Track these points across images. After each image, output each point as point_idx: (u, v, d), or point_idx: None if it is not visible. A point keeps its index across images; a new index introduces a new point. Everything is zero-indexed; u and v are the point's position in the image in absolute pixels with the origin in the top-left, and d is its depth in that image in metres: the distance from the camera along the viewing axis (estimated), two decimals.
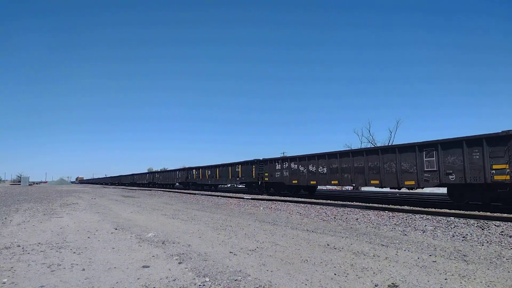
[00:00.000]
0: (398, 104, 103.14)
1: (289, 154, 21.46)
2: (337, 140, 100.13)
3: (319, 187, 22.34)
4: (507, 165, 9.74)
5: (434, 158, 11.55)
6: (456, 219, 7.95)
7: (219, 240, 5.69)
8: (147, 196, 21.82)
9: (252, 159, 22.86)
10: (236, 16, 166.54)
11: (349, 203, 12.54)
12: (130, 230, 6.73)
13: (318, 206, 12.03)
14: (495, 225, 6.99)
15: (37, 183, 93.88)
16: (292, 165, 18.53)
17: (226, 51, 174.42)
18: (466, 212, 8.87)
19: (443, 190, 15.18)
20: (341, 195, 19.32)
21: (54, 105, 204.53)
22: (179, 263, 4.11)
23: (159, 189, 35.85)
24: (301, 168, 17.73)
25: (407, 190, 19.44)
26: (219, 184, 30.15)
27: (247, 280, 3.43)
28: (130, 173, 58.03)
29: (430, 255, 4.54)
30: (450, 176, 11.06)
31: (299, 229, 6.99)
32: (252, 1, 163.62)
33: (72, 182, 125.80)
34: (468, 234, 6.18)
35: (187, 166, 41.39)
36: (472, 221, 7.65)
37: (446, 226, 7.11)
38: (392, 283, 3.33)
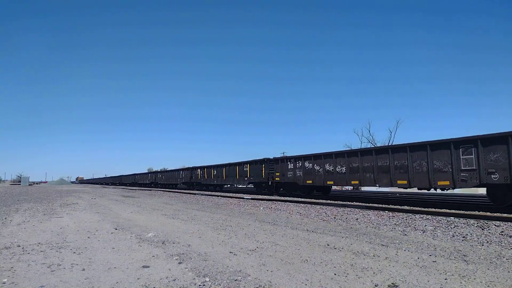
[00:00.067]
0: (398, 104, 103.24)
1: (289, 154, 21.18)
2: (337, 140, 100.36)
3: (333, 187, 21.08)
4: None
5: (473, 156, 10.51)
6: (456, 219, 7.95)
7: (219, 240, 5.69)
8: (147, 196, 21.83)
9: (262, 158, 21.64)
10: (236, 16, 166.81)
11: (349, 203, 12.54)
12: (130, 230, 6.73)
13: (318, 206, 12.04)
14: (495, 225, 7.00)
15: (37, 183, 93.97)
16: (307, 164, 17.52)
17: (226, 51, 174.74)
18: (466, 212, 8.87)
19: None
20: (341, 195, 19.31)
21: (54, 105, 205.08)
22: (179, 263, 4.11)
23: (159, 189, 35.76)
24: (317, 168, 16.81)
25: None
26: (226, 184, 28.70)
27: (247, 280, 3.43)
28: (132, 173, 57.78)
29: (430, 255, 4.54)
30: (492, 176, 10.04)
31: (299, 229, 6.99)
32: (252, 1, 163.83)
33: (72, 182, 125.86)
34: (468, 234, 6.18)
35: (187, 166, 40.96)
36: (472, 221, 7.66)
37: (446, 226, 7.11)
38: (392, 283, 3.33)
